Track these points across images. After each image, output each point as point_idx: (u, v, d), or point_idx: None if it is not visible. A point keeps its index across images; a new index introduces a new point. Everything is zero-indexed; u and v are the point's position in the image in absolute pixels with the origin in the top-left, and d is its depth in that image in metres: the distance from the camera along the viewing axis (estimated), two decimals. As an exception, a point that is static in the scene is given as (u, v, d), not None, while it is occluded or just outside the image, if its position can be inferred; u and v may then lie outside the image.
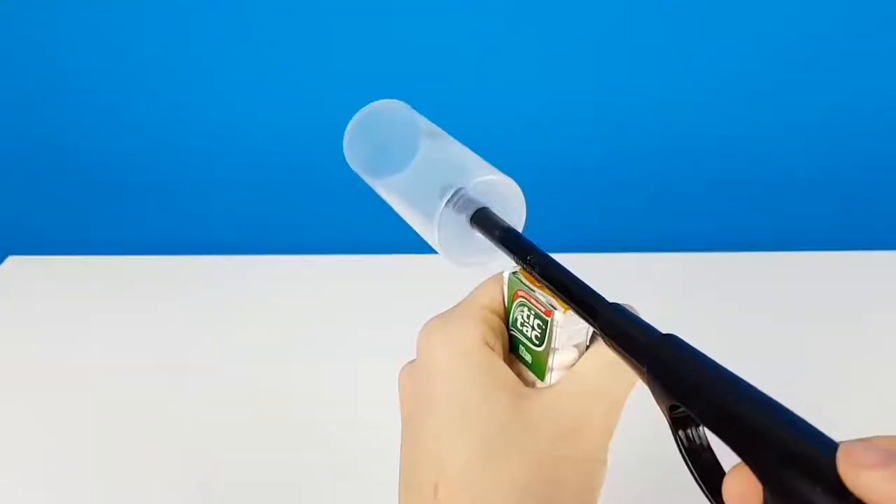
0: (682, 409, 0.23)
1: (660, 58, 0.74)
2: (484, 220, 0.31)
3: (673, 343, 0.24)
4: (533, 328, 0.30)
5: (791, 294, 0.71)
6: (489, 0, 0.71)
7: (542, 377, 0.30)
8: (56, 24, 0.76)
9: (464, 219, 0.32)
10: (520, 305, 0.30)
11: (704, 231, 0.82)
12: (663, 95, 0.76)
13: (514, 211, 0.33)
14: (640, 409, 0.28)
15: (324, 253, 0.78)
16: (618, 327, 0.26)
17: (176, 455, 0.56)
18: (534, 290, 0.30)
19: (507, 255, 0.31)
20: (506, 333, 0.31)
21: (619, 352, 0.25)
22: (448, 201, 0.31)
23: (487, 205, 0.32)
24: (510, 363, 0.31)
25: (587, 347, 0.30)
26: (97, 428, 0.60)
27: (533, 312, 0.29)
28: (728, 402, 0.21)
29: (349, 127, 0.36)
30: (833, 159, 0.79)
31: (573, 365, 0.29)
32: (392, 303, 0.69)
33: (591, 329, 0.29)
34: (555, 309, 0.28)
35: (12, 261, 0.83)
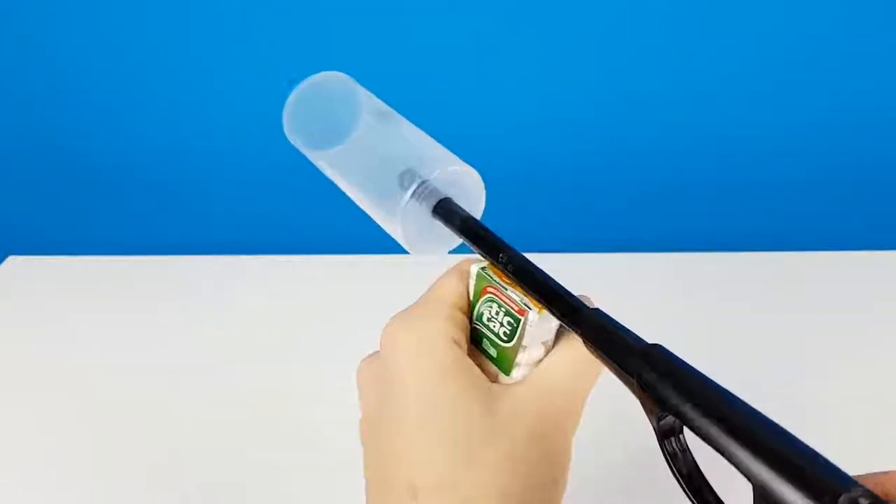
0: (669, 418, 0.23)
1: (660, 58, 0.74)
2: (450, 214, 0.31)
3: (660, 352, 0.24)
4: (502, 325, 0.29)
5: (791, 294, 0.71)
6: None
7: (507, 372, 0.30)
8: (56, 24, 0.76)
9: (425, 209, 0.31)
10: (488, 301, 0.30)
11: (704, 231, 0.82)
12: (663, 95, 0.76)
13: (474, 199, 0.32)
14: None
15: (324, 253, 0.78)
16: (602, 334, 0.25)
17: (176, 455, 0.56)
18: (506, 288, 0.29)
19: (476, 251, 0.30)
20: (468, 328, 0.31)
21: (604, 359, 0.25)
22: (413, 193, 0.31)
23: (449, 194, 0.31)
24: (472, 357, 0.30)
25: (553, 344, 0.30)
26: (97, 428, 0.60)
27: (503, 310, 0.29)
28: (719, 411, 0.21)
29: (290, 100, 0.36)
30: (833, 159, 0.79)
31: (540, 361, 0.29)
32: (392, 303, 0.68)
33: (559, 326, 0.29)
34: (529, 308, 0.28)
35: (12, 261, 0.83)
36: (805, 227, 0.82)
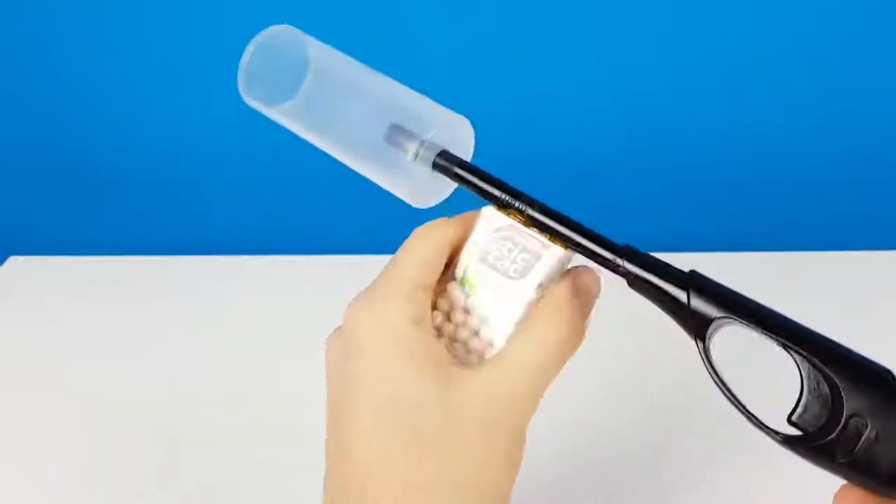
0: (716, 323, 0.26)
1: (659, 58, 0.74)
2: (459, 167, 0.31)
3: (699, 274, 0.28)
4: (514, 262, 0.30)
5: (791, 294, 0.70)
6: None
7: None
8: (56, 24, 0.76)
9: (426, 164, 0.32)
10: (500, 241, 0.30)
11: (704, 231, 0.82)
12: (663, 95, 0.76)
13: (464, 146, 0.33)
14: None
15: (324, 253, 0.78)
16: (643, 259, 0.28)
17: (176, 455, 0.56)
18: (522, 228, 0.30)
19: (490, 199, 0.31)
20: (429, 302, 0.30)
21: (649, 282, 0.28)
22: (416, 155, 0.31)
23: (444, 146, 0.32)
24: (439, 334, 0.30)
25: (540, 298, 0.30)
26: (97, 428, 0.60)
27: (519, 247, 0.30)
28: (767, 310, 0.26)
29: (245, 58, 0.35)
30: (833, 159, 0.79)
31: (535, 303, 0.30)
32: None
33: (552, 278, 0.30)
34: (551, 245, 0.30)
35: (13, 261, 0.83)
36: (805, 227, 0.82)
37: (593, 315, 0.31)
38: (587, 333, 0.30)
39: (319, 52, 0.35)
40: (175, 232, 0.88)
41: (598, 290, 0.31)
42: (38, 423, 0.61)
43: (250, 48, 0.34)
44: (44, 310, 0.75)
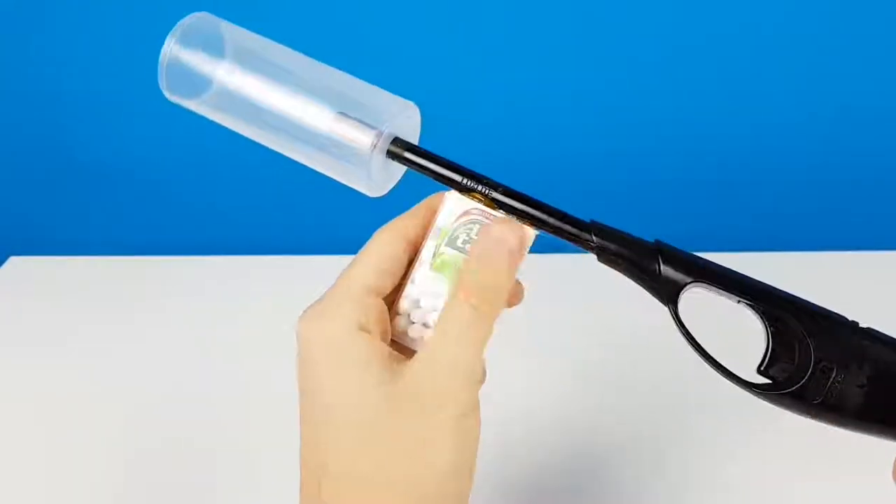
0: (688, 288, 0.28)
1: (659, 58, 0.74)
2: (415, 154, 0.31)
3: (665, 244, 0.29)
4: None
5: (791, 294, 0.71)
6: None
7: None
8: (56, 24, 0.76)
9: (381, 153, 0.31)
10: (468, 224, 0.31)
11: (704, 231, 0.82)
12: (663, 95, 0.76)
13: (413, 132, 0.33)
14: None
15: (324, 253, 0.78)
16: (611, 233, 0.29)
17: (176, 455, 0.56)
18: (488, 211, 0.30)
19: (454, 184, 0.30)
20: (386, 312, 0.31)
21: (620, 254, 0.28)
22: (373, 146, 0.31)
23: (396, 133, 0.31)
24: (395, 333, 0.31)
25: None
26: (97, 428, 0.60)
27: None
28: (731, 272, 0.28)
29: (164, 55, 0.35)
30: (833, 159, 0.79)
31: None
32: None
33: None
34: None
35: (13, 261, 0.83)
36: (805, 227, 0.82)
37: (524, 265, 0.30)
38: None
39: (237, 35, 0.34)
40: (175, 232, 0.88)
41: (513, 237, 0.30)
42: (38, 423, 0.61)
43: (168, 42, 0.34)
44: (44, 310, 0.75)
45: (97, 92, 0.80)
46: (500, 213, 0.30)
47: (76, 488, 0.54)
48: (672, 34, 0.72)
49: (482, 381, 0.29)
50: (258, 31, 0.34)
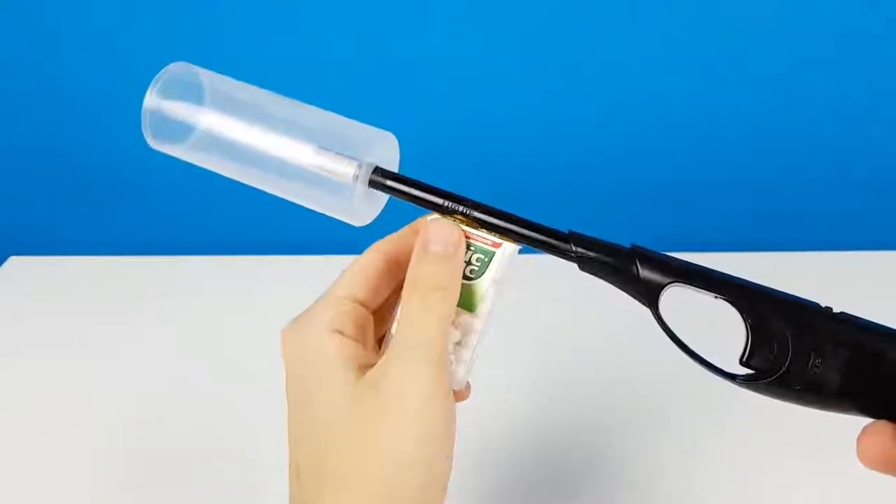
0: (668, 287, 0.29)
1: (660, 57, 0.74)
2: (397, 182, 0.32)
3: (642, 248, 0.30)
4: (469, 263, 0.31)
5: (791, 294, 0.71)
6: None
7: (473, 310, 0.31)
8: (55, 24, 0.76)
9: (363, 184, 0.32)
10: (469, 253, 0.31)
11: (704, 231, 0.82)
12: (663, 95, 0.76)
13: (393, 161, 0.33)
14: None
15: (324, 253, 0.78)
16: (590, 242, 0.30)
17: (176, 455, 0.57)
18: (473, 230, 0.31)
19: (434, 208, 0.31)
20: (369, 317, 0.32)
21: (600, 261, 0.29)
22: (356, 178, 0.32)
23: (376, 162, 0.32)
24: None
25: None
26: (97, 427, 0.60)
27: (472, 248, 0.31)
28: (708, 271, 0.29)
29: (148, 104, 0.35)
30: (833, 159, 0.79)
31: (494, 299, 0.31)
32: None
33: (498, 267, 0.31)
34: (501, 242, 0.31)
35: (13, 261, 0.83)
36: (805, 227, 0.82)
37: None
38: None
39: (215, 82, 0.35)
40: (175, 232, 0.88)
41: (444, 238, 0.30)
42: (38, 423, 0.61)
43: (149, 95, 0.35)
44: (43, 310, 0.75)
45: (97, 93, 0.80)
46: (481, 232, 0.31)
47: (76, 488, 0.54)
48: (672, 34, 0.73)
49: (444, 363, 0.29)
50: (235, 76, 0.34)
